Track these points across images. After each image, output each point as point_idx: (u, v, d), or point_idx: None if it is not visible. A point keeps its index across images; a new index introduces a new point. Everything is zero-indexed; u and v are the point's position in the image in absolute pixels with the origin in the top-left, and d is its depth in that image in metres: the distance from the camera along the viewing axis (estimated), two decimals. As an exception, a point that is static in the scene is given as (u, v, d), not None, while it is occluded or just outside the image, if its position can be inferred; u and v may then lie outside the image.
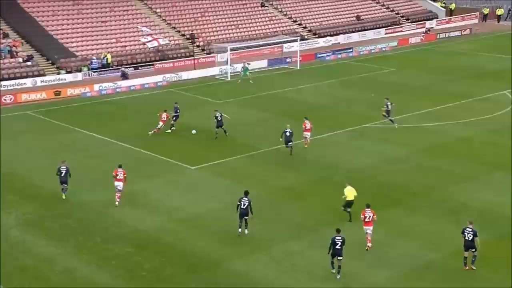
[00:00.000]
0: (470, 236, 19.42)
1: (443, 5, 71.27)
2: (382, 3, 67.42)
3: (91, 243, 21.78)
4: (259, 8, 60.99)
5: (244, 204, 21.79)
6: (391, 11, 66.85)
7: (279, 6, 62.48)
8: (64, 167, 25.10)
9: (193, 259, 20.72)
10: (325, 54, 53.93)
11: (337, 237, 19.29)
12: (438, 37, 61.50)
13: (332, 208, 23.87)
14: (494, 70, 47.62)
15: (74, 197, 25.51)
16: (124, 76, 46.11)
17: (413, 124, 34.61)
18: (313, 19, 62.02)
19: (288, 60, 51.42)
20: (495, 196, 25.10)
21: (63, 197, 25.16)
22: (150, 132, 32.69)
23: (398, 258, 20.52)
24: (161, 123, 32.86)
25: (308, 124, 30.80)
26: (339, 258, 19.26)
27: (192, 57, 50.30)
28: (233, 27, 57.34)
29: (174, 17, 56.51)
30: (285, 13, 61.87)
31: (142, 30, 52.61)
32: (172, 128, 33.57)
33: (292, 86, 43.84)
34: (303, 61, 51.05)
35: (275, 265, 20.31)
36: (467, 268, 19.62)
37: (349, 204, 22.81)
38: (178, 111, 33.84)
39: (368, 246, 20.89)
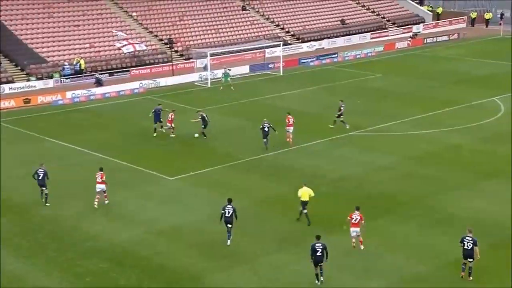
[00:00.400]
0: (469, 245, 19.62)
1: (430, 9, 72.23)
2: (367, 7, 68.10)
3: (63, 258, 21.45)
4: (240, 12, 61.19)
5: (228, 212, 22.11)
6: (377, 15, 67.55)
7: (260, 10, 62.73)
8: (42, 170, 25.47)
9: (172, 273, 20.51)
10: (309, 60, 54.21)
11: (317, 244, 19.52)
12: (425, 41, 62.27)
13: (319, 219, 23.84)
14: (483, 75, 48.30)
15: (44, 210, 25.15)
16: (99, 83, 45.81)
17: (401, 132, 34.86)
18: (296, 23, 62.37)
19: (270, 65, 51.58)
20: (487, 204, 25.33)
21: (47, 204, 25.37)
22: (172, 135, 34.06)
23: (388, 269, 20.56)
24: (168, 124, 33.82)
25: (291, 119, 32.13)
26: (320, 264, 19.57)
27: (170, 63, 50.21)
28: (213, 31, 57.41)
29: (151, 21, 56.40)
30: (267, 17, 62.14)
31: (117, 35, 52.36)
32: (156, 132, 34.30)
33: (275, 92, 43.94)
34: (286, 67, 51.23)
35: (260, 278, 20.20)
36: (464, 273, 19.75)
37: (304, 204, 23.41)
38: (160, 112, 34.30)
39: (354, 245, 21.54)
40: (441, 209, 24.90)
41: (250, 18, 60.84)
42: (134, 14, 56.46)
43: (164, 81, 47.25)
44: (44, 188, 25.32)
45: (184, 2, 59.67)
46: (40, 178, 25.21)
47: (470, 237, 19.73)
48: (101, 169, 25.59)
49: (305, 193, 23.43)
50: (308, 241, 21.91)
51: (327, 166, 29.77)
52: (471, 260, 19.66)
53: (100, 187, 25.32)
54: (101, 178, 25.27)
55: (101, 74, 47.75)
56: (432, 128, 35.36)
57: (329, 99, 41.79)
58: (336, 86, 45.63)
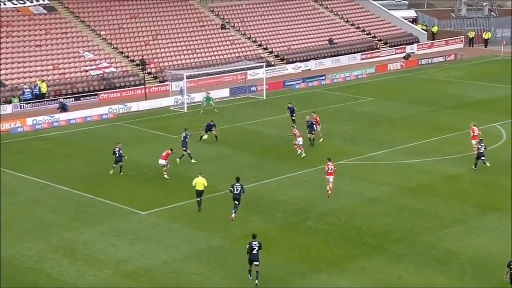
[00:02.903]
0: None
1: (425, 27, 73.61)
2: (357, 26, 69.28)
3: (22, 304, 21.20)
4: (219, 31, 61.87)
5: (237, 189, 26.86)
6: (367, 34, 68.70)
7: (241, 28, 63.48)
8: (118, 148, 32.80)
9: (143, 320, 20.36)
10: (294, 82, 54.84)
11: (253, 242, 21.99)
12: (419, 63, 63.38)
13: (305, 257, 23.92)
14: (482, 99, 49.13)
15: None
16: (63, 108, 45.78)
17: (394, 161, 35.26)
18: (281, 42, 63.17)
19: (252, 88, 52.06)
20: (488, 242, 25.56)
21: (121, 173, 32.76)
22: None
23: (381, 314, 20.61)
24: (298, 140, 35.86)
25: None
26: (255, 263, 21.84)
27: (143, 86, 50.42)
28: (189, 51, 57.89)
29: (121, 41, 56.74)
30: (248, 36, 62.88)
31: (84, 55, 52.58)
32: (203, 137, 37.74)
33: (257, 118, 44.28)
34: (269, 90, 51.72)
35: (240, 325, 20.12)
36: None
37: (198, 194, 27.84)
38: (212, 124, 38.09)
39: (329, 193, 29.58)
40: (438, 247, 25.09)
41: (230, 38, 61.51)
42: (102, 33, 56.79)
43: (136, 106, 47.37)
44: (120, 163, 32.67)
45: (157, 20, 60.21)
46: (117, 155, 32.58)
47: None
48: (171, 150, 32.44)
49: (199, 182, 27.81)
50: (292, 284, 21.98)
51: (315, 198, 29.96)
52: None
53: (161, 162, 31.87)
54: (166, 154, 31.94)
55: (66, 98, 47.76)
56: (428, 156, 35.82)
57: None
58: (324, 110, 46.02)
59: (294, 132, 35.96)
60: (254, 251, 21.91)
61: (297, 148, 35.85)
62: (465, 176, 32.83)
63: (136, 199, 29.87)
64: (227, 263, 23.70)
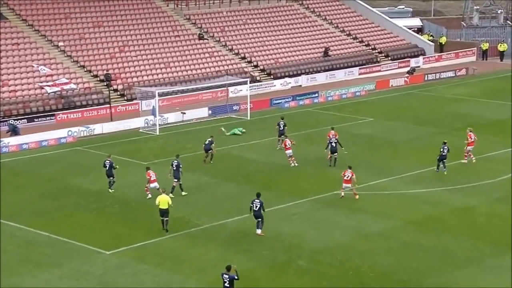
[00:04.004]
0: None
1: (431, 38, 74.59)
2: (354, 36, 70.10)
3: None
4: (196, 42, 62.33)
5: (256, 206, 29.04)
6: (366, 45, 69.51)
7: (222, 39, 63.99)
8: (109, 161, 34.79)
9: None
10: (283, 100, 55.23)
11: (224, 275, 22.96)
12: (426, 78, 64.14)
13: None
14: (497, 120, 49.67)
15: None
16: (14, 131, 45.73)
17: (397, 190, 35.51)
18: (267, 55, 63.72)
19: (235, 107, 52.35)
20: (507, 284, 25.64)
21: (110, 190, 34.64)
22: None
23: None
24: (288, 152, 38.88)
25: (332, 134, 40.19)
26: None
27: (108, 105, 50.52)
28: (162, 65, 58.20)
29: (82, 53, 56.95)
30: (230, 47, 63.38)
31: (39, 70, 52.63)
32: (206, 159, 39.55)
33: (240, 141, 44.46)
34: (254, 109, 52.02)
35: None
36: None
37: (162, 213, 29.55)
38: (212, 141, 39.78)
39: (343, 195, 33.34)
40: (449, 289, 25.30)
41: (209, 49, 61.97)
42: (61, 44, 56.98)
43: (99, 128, 47.43)
44: (111, 178, 34.64)
45: (125, 29, 60.59)
46: (107, 168, 34.61)
47: None
48: (148, 168, 33.80)
49: (163, 201, 29.50)
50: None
51: (307, 233, 30.07)
52: None
53: (154, 185, 33.14)
54: (155, 176, 33.34)
55: (17, 119, 47.71)
56: (436, 185, 36.08)
57: (310, 149, 42.48)
58: (317, 132, 46.35)
59: (285, 143, 38.92)
60: (226, 284, 22.81)
61: (290, 161, 38.67)
62: (480, 208, 33.10)
63: (100, 237, 29.78)
64: (205, 310, 23.70)
